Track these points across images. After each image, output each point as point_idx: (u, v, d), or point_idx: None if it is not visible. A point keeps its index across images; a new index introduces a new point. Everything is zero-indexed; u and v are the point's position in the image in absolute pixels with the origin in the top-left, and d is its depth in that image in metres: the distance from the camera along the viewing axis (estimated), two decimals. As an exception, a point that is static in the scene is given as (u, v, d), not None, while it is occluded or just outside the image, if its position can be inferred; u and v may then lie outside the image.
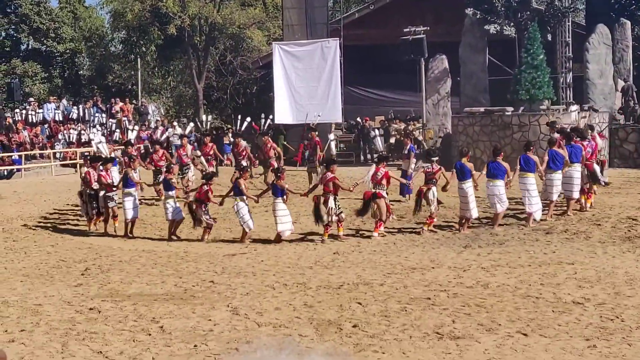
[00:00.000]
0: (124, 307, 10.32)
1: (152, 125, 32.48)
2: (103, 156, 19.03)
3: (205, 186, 16.32)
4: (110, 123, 32.50)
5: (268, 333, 9.01)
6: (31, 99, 34.63)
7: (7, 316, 9.99)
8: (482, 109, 26.66)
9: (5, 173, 27.06)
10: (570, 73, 29.44)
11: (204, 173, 18.53)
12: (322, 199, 15.67)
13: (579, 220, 16.69)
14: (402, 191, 19.92)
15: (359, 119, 32.36)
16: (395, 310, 9.82)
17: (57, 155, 29.52)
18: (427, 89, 29.00)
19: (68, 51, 43.20)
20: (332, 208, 15.56)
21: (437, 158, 16.83)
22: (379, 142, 21.03)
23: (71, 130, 31.07)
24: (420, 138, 28.64)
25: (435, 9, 33.44)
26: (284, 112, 30.64)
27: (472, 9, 29.55)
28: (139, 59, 38.89)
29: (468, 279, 11.61)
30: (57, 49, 42.58)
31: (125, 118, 32.83)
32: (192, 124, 29.65)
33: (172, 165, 17.92)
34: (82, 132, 30.81)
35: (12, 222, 18.14)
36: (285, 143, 30.71)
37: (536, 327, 8.98)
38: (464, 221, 16.24)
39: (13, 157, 27.77)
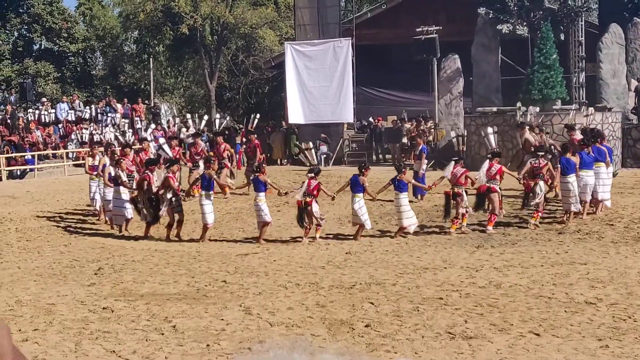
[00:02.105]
0: (136, 307, 10.36)
1: (164, 125, 32.56)
2: (167, 158, 18.64)
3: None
4: (123, 123, 32.60)
5: (280, 333, 9.02)
6: (44, 99, 34.78)
7: (20, 315, 10.04)
8: (494, 109, 26.58)
9: (18, 173, 27.20)
10: (583, 73, 29.33)
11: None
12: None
13: (592, 221, 16.63)
14: (414, 192, 19.88)
15: (371, 119, 32.34)
16: (408, 310, 9.82)
17: (70, 155, 29.64)
18: (440, 88, 28.94)
19: (80, 51, 43.36)
20: (316, 212, 15.69)
21: (543, 153, 17.00)
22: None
23: (83, 130, 31.19)
24: (431, 138, 28.59)
25: (448, 9, 33.38)
26: (296, 112, 30.65)
27: (484, 8, 29.48)
28: (151, 59, 39.00)
29: (480, 279, 11.59)
30: (70, 49, 42.74)
31: (138, 118, 32.93)
32: (206, 117, 29.52)
33: (211, 160, 17.56)
34: (94, 132, 30.92)
35: (26, 221, 18.23)
36: (297, 143, 30.76)
37: (548, 327, 8.96)
38: (568, 214, 16.53)
39: (26, 157, 27.90)
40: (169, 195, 16.24)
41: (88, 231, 17.51)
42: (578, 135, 19.13)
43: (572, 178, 16.44)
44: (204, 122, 28.51)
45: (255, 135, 24.09)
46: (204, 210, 16.04)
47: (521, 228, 16.28)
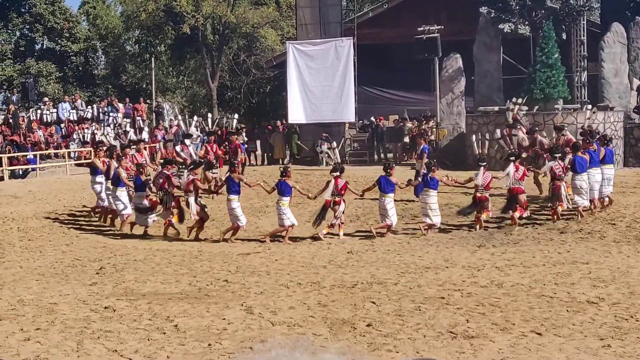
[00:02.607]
0: (138, 306, 10.37)
1: (167, 124, 32.56)
2: (193, 160, 18.62)
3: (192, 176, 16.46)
4: (125, 122, 32.60)
5: (282, 332, 9.03)
6: (46, 99, 34.79)
7: (22, 315, 10.05)
8: (496, 108, 26.56)
9: (20, 172, 27.21)
10: (585, 72, 29.30)
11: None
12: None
13: (594, 220, 16.62)
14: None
15: (372, 118, 32.32)
16: (409, 310, 9.82)
17: (72, 154, 29.65)
18: (441, 88, 28.91)
19: (82, 50, 43.38)
20: (341, 211, 16.01)
21: (560, 155, 17.14)
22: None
23: (85, 130, 31.19)
24: (433, 137, 28.58)
25: (449, 8, 33.36)
26: (297, 112, 30.64)
27: (486, 7, 29.44)
28: (153, 59, 39.02)
29: (482, 278, 11.59)
30: (72, 49, 42.77)
31: (140, 118, 32.93)
32: (195, 119, 29.41)
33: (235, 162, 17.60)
34: (96, 131, 30.91)
35: (27, 221, 18.24)
36: (299, 142, 30.76)
37: (550, 326, 8.96)
38: (579, 210, 16.86)
39: (28, 157, 27.92)
40: (191, 199, 16.14)
41: (90, 231, 17.53)
42: (569, 136, 19.51)
43: (584, 176, 16.73)
44: (192, 126, 28.52)
45: (236, 136, 23.94)
46: (236, 213, 15.97)
47: (523, 227, 16.27)
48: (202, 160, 18.91)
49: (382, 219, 16.24)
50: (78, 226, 18.04)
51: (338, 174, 16.31)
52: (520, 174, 16.42)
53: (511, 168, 16.44)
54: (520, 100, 24.67)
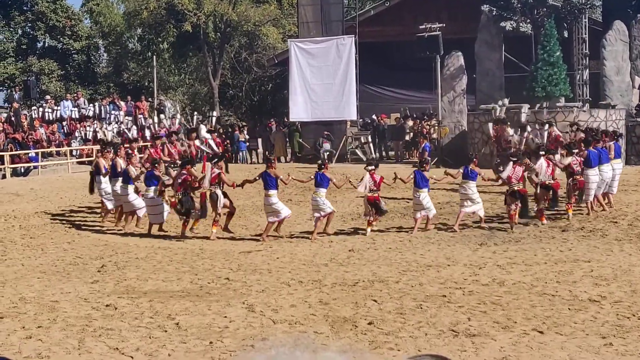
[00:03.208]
0: (140, 304, 10.37)
1: (168, 122, 32.59)
2: (213, 153, 18.44)
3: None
4: (127, 120, 32.62)
5: (283, 330, 9.03)
6: (48, 97, 34.80)
7: (24, 312, 10.06)
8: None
9: (22, 170, 27.23)
10: (587, 70, 29.28)
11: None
12: None
13: (596, 218, 16.62)
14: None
15: (374, 117, 32.33)
16: (411, 308, 9.81)
17: (74, 152, 29.66)
18: (443, 86, 28.91)
19: (84, 48, 43.39)
20: (383, 205, 16.09)
21: (576, 151, 17.39)
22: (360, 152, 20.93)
23: (87, 128, 31.21)
24: (435, 135, 28.58)
25: (451, 6, 33.35)
26: (299, 110, 30.67)
27: (488, 5, 29.44)
28: (154, 57, 39.02)
29: (484, 276, 11.58)
30: (74, 47, 42.78)
31: (141, 115, 32.93)
32: (215, 114, 29.26)
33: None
34: (98, 129, 30.93)
35: (29, 219, 18.25)
36: (300, 140, 30.76)
37: (552, 324, 8.95)
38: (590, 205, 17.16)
39: (30, 155, 27.94)
40: (218, 191, 15.93)
41: (91, 228, 17.52)
42: (556, 131, 20.33)
43: (595, 171, 16.96)
44: (214, 120, 28.45)
45: (216, 134, 23.73)
46: (277, 207, 15.76)
47: (525, 226, 16.27)
48: (224, 154, 18.68)
49: (415, 214, 16.24)
50: (80, 224, 18.03)
51: (373, 168, 16.38)
52: (550, 168, 16.63)
53: (543, 163, 16.61)
54: (505, 101, 24.88)
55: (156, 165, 17.35)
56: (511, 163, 16.47)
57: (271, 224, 15.87)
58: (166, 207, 16.92)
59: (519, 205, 16.10)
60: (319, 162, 17.18)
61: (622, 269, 11.79)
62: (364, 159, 18.22)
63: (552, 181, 16.62)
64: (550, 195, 16.82)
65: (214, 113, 29.62)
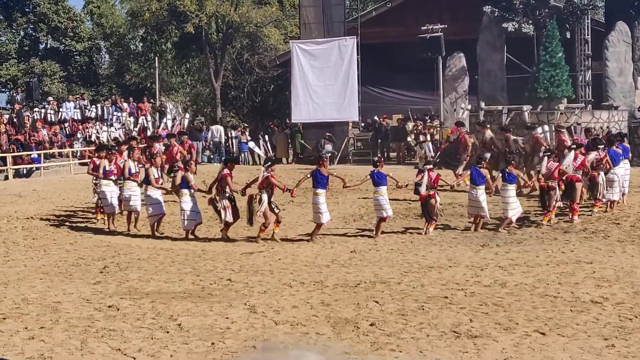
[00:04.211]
0: (142, 305, 10.38)
1: (169, 123, 32.61)
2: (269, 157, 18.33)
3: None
4: (129, 122, 32.62)
5: (285, 331, 9.03)
6: (50, 98, 34.82)
7: (27, 313, 10.07)
8: (500, 107, 26.56)
9: (25, 172, 27.25)
10: (589, 71, 29.28)
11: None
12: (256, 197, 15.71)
13: (598, 220, 16.62)
14: (417, 190, 19.85)
15: (376, 118, 32.32)
16: (413, 309, 9.82)
17: (76, 153, 29.68)
18: (445, 87, 28.92)
19: (86, 50, 43.42)
20: (439, 205, 16.37)
21: (602, 146, 17.65)
22: (428, 149, 21.03)
23: (90, 129, 31.22)
24: (437, 137, 28.57)
25: (453, 7, 33.34)
26: (300, 111, 30.67)
27: (490, 6, 29.46)
28: (156, 58, 39.05)
29: (486, 277, 11.58)
30: (76, 48, 42.81)
31: (143, 117, 32.93)
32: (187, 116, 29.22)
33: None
34: (99, 130, 30.93)
35: (32, 220, 18.26)
36: (302, 142, 30.76)
37: (554, 326, 8.95)
38: (611, 204, 17.51)
39: (32, 156, 27.96)
40: (265, 196, 15.62)
41: (94, 230, 17.52)
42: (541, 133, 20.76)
43: (617, 170, 17.36)
44: (186, 122, 28.46)
45: (187, 136, 23.44)
46: (321, 208, 15.65)
47: (527, 227, 16.28)
48: (276, 158, 18.47)
49: (472, 211, 16.29)
50: (82, 225, 18.04)
51: (431, 167, 16.39)
52: (578, 162, 16.83)
53: (570, 156, 16.86)
54: (469, 106, 25.29)
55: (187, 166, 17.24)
56: (546, 158, 16.73)
57: (319, 226, 15.81)
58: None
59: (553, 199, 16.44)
60: (374, 159, 17.38)
61: (625, 271, 11.79)
62: (422, 157, 18.44)
63: (575, 174, 16.86)
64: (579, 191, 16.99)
65: (187, 115, 29.69)
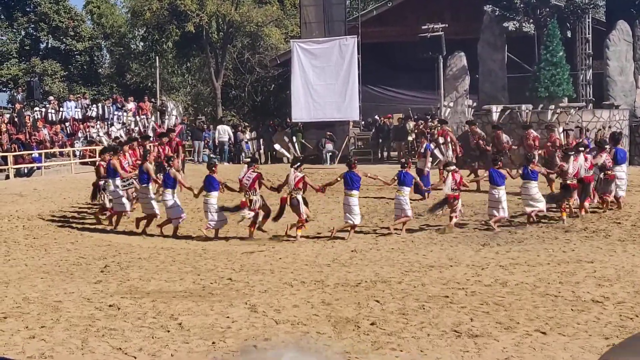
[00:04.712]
0: (143, 304, 10.38)
1: (172, 122, 32.62)
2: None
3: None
4: (129, 121, 32.61)
5: (286, 330, 9.03)
6: (51, 98, 34.82)
7: (27, 312, 10.07)
8: (500, 107, 26.57)
9: (26, 171, 27.25)
10: (590, 70, 29.26)
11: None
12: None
13: (599, 219, 16.61)
14: (417, 189, 19.85)
15: (376, 117, 32.32)
16: (413, 308, 9.81)
17: (77, 153, 29.69)
18: (446, 86, 28.91)
19: (87, 49, 43.42)
20: (461, 206, 16.36)
21: (608, 147, 17.97)
22: (439, 153, 21.30)
23: (91, 129, 31.22)
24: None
25: (454, 6, 33.31)
26: (301, 110, 30.67)
27: (490, 5, 29.44)
28: (157, 58, 39.04)
29: (486, 277, 11.58)
30: (77, 47, 42.81)
31: (144, 116, 32.92)
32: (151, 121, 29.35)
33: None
34: (100, 129, 30.92)
35: (33, 219, 18.26)
36: (303, 141, 30.76)
37: (555, 325, 8.95)
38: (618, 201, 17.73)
39: (33, 155, 27.96)
40: (299, 196, 15.75)
41: (95, 229, 17.53)
42: (534, 133, 21.14)
43: (624, 167, 17.81)
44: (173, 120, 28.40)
45: (175, 133, 23.37)
46: (354, 210, 15.79)
47: (527, 226, 16.27)
48: (308, 156, 18.52)
49: (491, 211, 16.38)
50: (83, 224, 18.05)
51: (454, 168, 16.58)
52: (588, 163, 17.05)
53: (582, 157, 17.00)
54: (452, 104, 25.37)
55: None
56: (572, 157, 16.88)
57: (350, 226, 15.87)
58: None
59: (572, 198, 16.78)
60: (402, 160, 17.63)
61: (625, 270, 11.78)
62: (441, 159, 18.63)
63: (588, 174, 17.06)
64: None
65: (173, 112, 29.75)
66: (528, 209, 16.46)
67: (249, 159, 17.30)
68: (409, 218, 16.17)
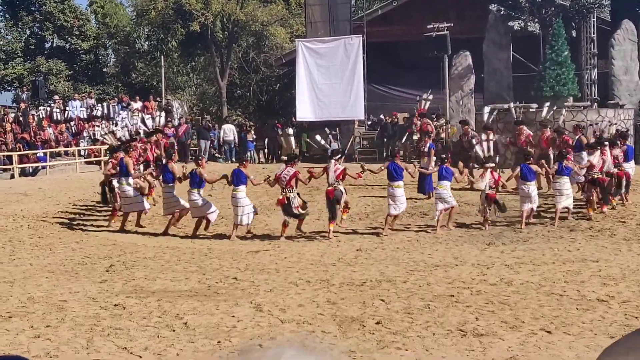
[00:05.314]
0: (148, 303, 10.39)
1: (176, 122, 32.69)
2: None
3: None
4: (135, 121, 32.64)
5: (291, 330, 9.04)
6: (56, 97, 34.88)
7: (33, 312, 10.09)
8: (505, 106, 26.52)
9: (31, 170, 27.30)
10: (595, 69, 29.21)
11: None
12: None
13: (604, 218, 16.59)
14: (420, 188, 19.87)
15: (382, 116, 32.29)
16: (419, 308, 9.81)
17: (82, 152, 29.74)
18: (451, 85, 28.87)
19: (92, 48, 43.46)
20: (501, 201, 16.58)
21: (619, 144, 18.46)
22: (480, 150, 21.47)
23: (95, 128, 31.26)
24: (443, 135, 28.52)
25: (459, 5, 33.26)
26: (306, 109, 30.65)
27: (496, 5, 29.41)
28: (162, 57, 39.05)
29: (492, 276, 11.57)
30: (82, 46, 42.86)
31: (150, 115, 32.97)
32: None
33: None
34: (105, 129, 30.96)
35: (38, 218, 18.29)
36: (308, 140, 30.73)
37: (560, 324, 8.94)
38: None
39: (38, 155, 28.01)
40: (342, 187, 16.04)
41: (100, 228, 17.54)
42: (527, 131, 21.41)
43: (632, 164, 18.36)
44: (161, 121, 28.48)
45: (161, 135, 23.13)
46: (400, 201, 16.02)
47: (533, 225, 16.26)
48: (342, 150, 18.70)
49: (523, 206, 16.51)
50: (88, 224, 18.07)
51: (493, 165, 16.81)
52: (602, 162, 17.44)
53: (597, 154, 17.31)
54: (430, 97, 25.50)
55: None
56: (598, 151, 17.25)
57: (391, 217, 16.09)
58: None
59: (598, 192, 17.11)
60: (442, 155, 17.69)
61: (631, 269, 11.76)
62: (482, 156, 18.89)
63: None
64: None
65: (161, 114, 29.93)
66: (560, 205, 16.69)
67: (289, 155, 17.29)
68: (455, 206, 16.40)
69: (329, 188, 16.00)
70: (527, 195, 16.43)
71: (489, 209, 16.22)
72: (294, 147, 30.79)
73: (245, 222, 16.15)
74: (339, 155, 16.51)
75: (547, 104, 24.83)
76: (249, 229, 16.37)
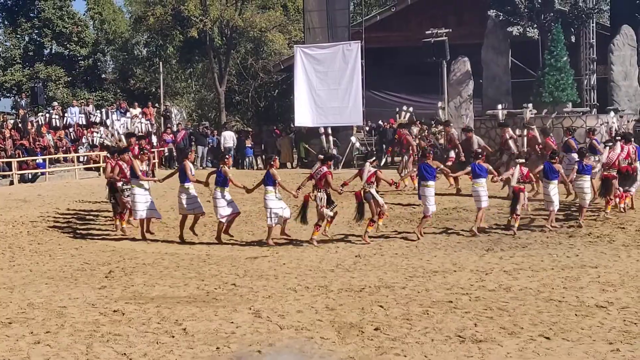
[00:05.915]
0: (147, 310, 10.40)
1: (175, 128, 32.73)
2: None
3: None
4: (135, 127, 32.65)
5: (290, 336, 9.04)
6: (54, 103, 34.88)
7: (32, 318, 10.09)
8: (505, 112, 26.56)
9: (30, 177, 27.30)
10: (594, 75, 29.27)
11: None
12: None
13: (603, 224, 16.60)
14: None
15: (380, 122, 32.31)
16: (417, 314, 9.82)
17: (81, 158, 29.75)
18: (449, 91, 28.90)
19: (91, 55, 43.47)
20: (525, 200, 16.60)
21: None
22: (513, 144, 21.59)
23: (94, 134, 31.25)
24: (442, 141, 28.53)
25: (457, 11, 33.36)
26: (304, 115, 30.67)
27: (494, 10, 29.44)
28: (161, 63, 39.11)
29: (490, 282, 11.58)
30: (80, 53, 42.88)
31: (148, 121, 32.99)
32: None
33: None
34: (104, 135, 30.95)
35: (37, 225, 18.29)
36: (306, 146, 30.77)
37: (559, 330, 8.95)
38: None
39: (37, 161, 28.02)
40: (373, 190, 15.80)
41: (99, 234, 17.55)
42: (510, 132, 21.85)
43: (638, 164, 18.26)
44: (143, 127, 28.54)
45: (148, 140, 22.97)
46: (430, 201, 16.05)
47: (532, 231, 16.27)
48: (374, 153, 18.75)
49: (547, 206, 16.64)
50: (87, 230, 18.07)
51: (523, 161, 16.98)
52: (624, 153, 17.69)
53: (606, 152, 17.68)
54: (411, 109, 25.95)
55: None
56: (607, 148, 17.59)
57: (426, 218, 16.15)
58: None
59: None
60: (473, 154, 17.91)
61: (630, 275, 11.78)
62: (515, 153, 19.17)
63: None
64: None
65: (142, 120, 30.18)
66: (586, 203, 16.87)
67: (325, 155, 17.18)
68: (482, 209, 16.33)
69: (357, 191, 16.16)
70: (547, 194, 16.56)
71: (520, 205, 16.22)
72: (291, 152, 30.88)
73: (275, 223, 15.92)
74: (374, 158, 16.63)
75: (529, 105, 24.97)
76: (282, 231, 16.21)
